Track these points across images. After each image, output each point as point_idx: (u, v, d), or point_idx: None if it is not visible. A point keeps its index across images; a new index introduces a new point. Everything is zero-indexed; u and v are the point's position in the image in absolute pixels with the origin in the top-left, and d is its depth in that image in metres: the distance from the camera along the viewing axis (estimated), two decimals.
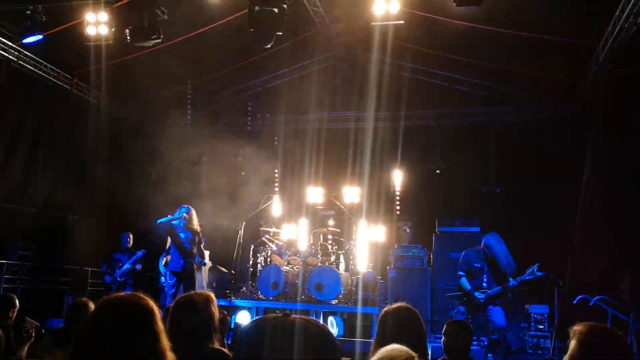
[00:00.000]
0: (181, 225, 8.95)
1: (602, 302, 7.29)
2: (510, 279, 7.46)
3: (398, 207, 12.48)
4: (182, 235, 8.87)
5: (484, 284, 7.66)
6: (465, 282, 7.75)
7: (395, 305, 3.21)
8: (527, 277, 7.40)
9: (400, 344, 2.15)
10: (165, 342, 2.00)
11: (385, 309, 3.20)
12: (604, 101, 8.93)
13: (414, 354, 2.07)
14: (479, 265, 7.78)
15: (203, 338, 3.05)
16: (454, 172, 12.53)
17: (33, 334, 4.98)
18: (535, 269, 7.38)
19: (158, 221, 8.88)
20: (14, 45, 10.48)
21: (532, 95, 12.44)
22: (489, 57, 11.25)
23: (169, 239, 9.31)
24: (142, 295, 2.07)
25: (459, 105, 12.95)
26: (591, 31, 9.37)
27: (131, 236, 10.24)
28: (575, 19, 9.17)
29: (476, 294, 7.59)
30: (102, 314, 1.98)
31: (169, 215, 8.97)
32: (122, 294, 2.08)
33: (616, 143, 8.59)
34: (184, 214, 8.93)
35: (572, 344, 2.74)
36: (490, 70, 11.64)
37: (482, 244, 7.76)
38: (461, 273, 7.84)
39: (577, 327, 2.80)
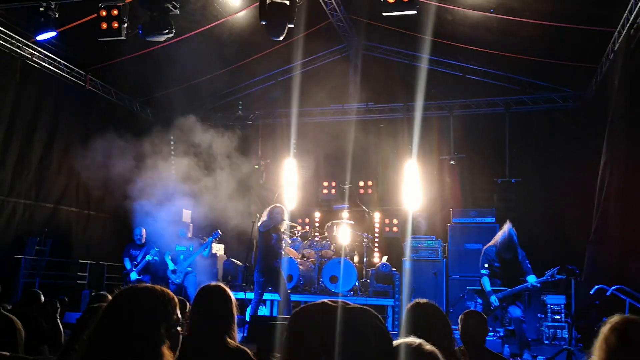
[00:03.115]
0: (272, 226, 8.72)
1: (620, 292, 7.20)
2: (530, 281, 7.34)
3: (412, 199, 12.41)
4: (274, 236, 8.68)
5: (500, 284, 7.54)
6: (486, 283, 7.54)
7: (422, 301, 3.21)
8: (547, 279, 7.29)
9: (428, 337, 2.13)
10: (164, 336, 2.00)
11: (411, 303, 3.21)
12: (621, 88, 8.79)
13: (426, 343, 2.05)
14: (499, 265, 7.59)
15: (226, 327, 3.05)
16: (468, 163, 12.45)
17: (59, 305, 5.04)
18: (555, 272, 7.27)
19: (261, 228, 8.67)
20: (28, 43, 10.56)
21: (548, 84, 12.30)
22: (503, 46, 11.14)
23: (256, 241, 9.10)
24: (159, 287, 2.08)
25: (473, 95, 12.84)
26: (607, 18, 9.22)
27: (144, 231, 10.31)
28: (591, 6, 9.04)
29: (491, 298, 7.41)
30: (120, 303, 1.99)
31: (264, 219, 8.69)
32: (140, 285, 2.09)
33: (634, 130, 8.45)
34: (279, 216, 8.68)
35: (607, 335, 2.54)
36: (505, 59, 11.51)
37: (508, 234, 7.51)
38: (484, 272, 7.58)
39: (612, 319, 2.59)
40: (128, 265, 10.12)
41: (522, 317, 7.40)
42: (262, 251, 8.70)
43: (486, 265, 7.60)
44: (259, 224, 8.82)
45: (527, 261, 7.56)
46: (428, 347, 1.99)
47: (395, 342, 2.06)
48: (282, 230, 8.96)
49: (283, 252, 8.90)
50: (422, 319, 3.09)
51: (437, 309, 3.24)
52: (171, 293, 2.07)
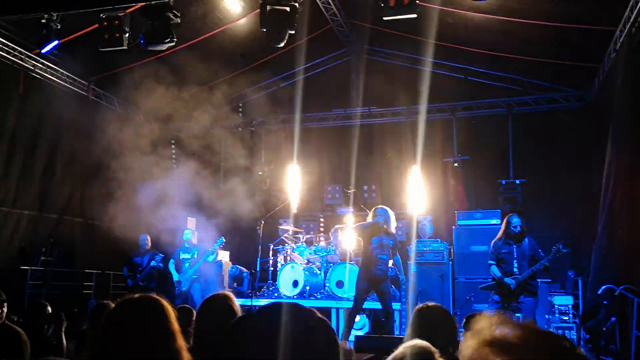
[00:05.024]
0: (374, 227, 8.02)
1: (627, 291, 7.17)
2: (540, 261, 7.47)
3: (416, 202, 12.38)
4: (374, 240, 7.99)
5: (515, 269, 7.60)
6: (495, 270, 7.72)
7: (431, 304, 3.23)
8: (555, 256, 7.37)
9: (435, 340, 2.13)
10: (181, 342, 2.00)
11: (419, 306, 3.22)
12: (624, 87, 8.76)
13: (434, 349, 2.05)
14: (506, 250, 7.74)
15: None
16: (472, 165, 12.41)
17: (64, 317, 5.02)
18: (561, 247, 7.35)
19: (362, 225, 8.16)
20: (30, 54, 10.61)
21: (550, 84, 12.27)
22: (504, 48, 11.13)
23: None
24: (155, 296, 2.08)
25: (476, 97, 12.81)
26: (608, 17, 9.21)
27: (149, 238, 10.33)
28: (592, 5, 9.02)
29: (506, 279, 7.55)
30: (118, 314, 1.99)
31: (365, 221, 8.21)
32: (138, 295, 2.09)
33: (638, 129, 8.42)
34: (383, 217, 7.97)
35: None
36: (506, 60, 11.50)
37: (511, 223, 7.77)
38: (491, 262, 7.80)
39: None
40: (125, 273, 10.27)
41: (533, 319, 7.41)
42: (362, 257, 8.34)
43: (494, 256, 7.81)
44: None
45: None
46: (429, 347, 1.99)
47: (403, 346, 2.06)
48: (393, 233, 8.24)
49: (387, 258, 8.09)
50: (429, 321, 3.08)
51: (444, 312, 3.23)
52: (166, 303, 2.07)
